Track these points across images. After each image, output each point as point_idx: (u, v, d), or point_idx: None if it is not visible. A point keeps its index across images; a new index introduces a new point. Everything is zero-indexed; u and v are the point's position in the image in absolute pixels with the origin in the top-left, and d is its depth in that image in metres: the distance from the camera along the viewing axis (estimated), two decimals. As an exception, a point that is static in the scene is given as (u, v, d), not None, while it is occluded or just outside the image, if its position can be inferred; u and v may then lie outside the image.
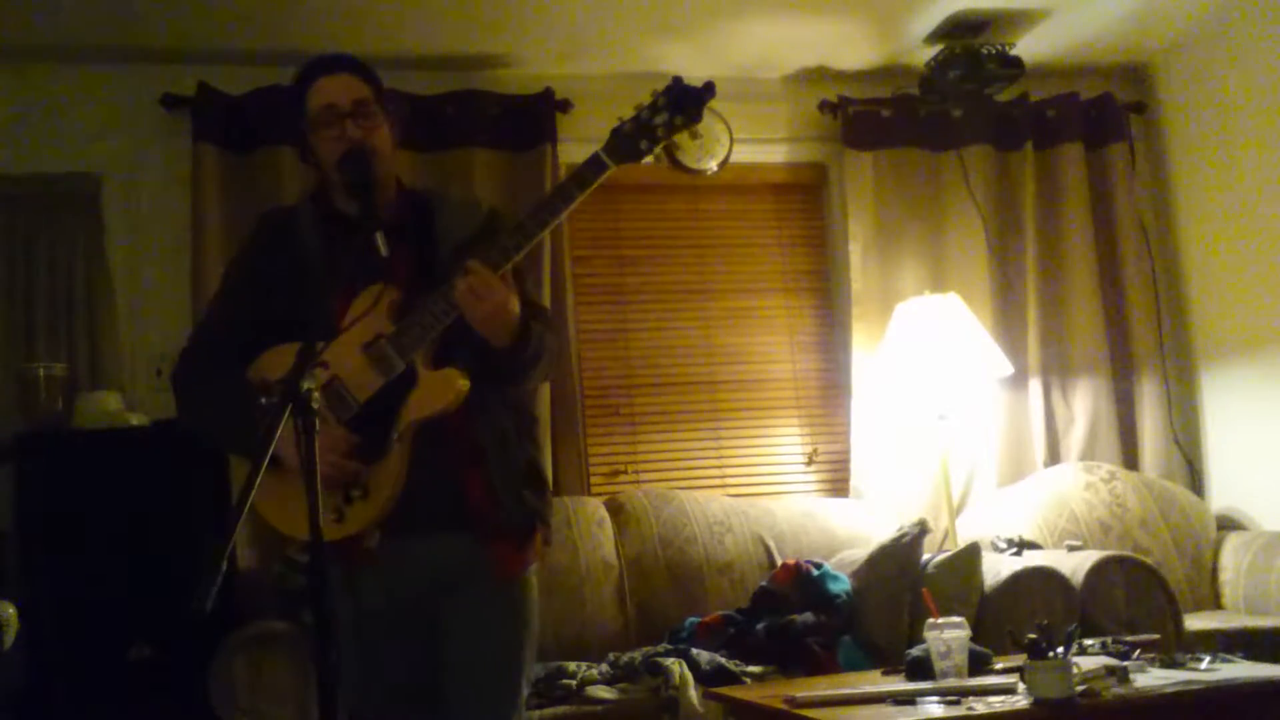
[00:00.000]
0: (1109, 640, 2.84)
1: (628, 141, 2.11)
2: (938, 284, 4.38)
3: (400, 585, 2.19)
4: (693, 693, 3.12)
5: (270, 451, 1.65)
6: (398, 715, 2.24)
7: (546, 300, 4.11)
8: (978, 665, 2.62)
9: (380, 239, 2.09)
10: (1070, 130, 4.66)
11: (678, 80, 2.12)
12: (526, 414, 2.33)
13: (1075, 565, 3.51)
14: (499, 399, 2.23)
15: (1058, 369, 4.58)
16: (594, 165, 2.12)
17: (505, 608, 2.24)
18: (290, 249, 2.24)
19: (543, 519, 2.28)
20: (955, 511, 4.16)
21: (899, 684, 2.65)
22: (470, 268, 2.06)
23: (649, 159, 2.15)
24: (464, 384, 2.13)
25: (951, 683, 2.53)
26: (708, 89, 2.10)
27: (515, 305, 2.11)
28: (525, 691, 2.28)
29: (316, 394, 1.72)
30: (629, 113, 2.14)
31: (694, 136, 2.13)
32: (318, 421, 1.71)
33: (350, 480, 2.11)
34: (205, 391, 2.24)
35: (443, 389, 2.12)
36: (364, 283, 2.15)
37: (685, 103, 2.10)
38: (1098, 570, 3.47)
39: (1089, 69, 4.76)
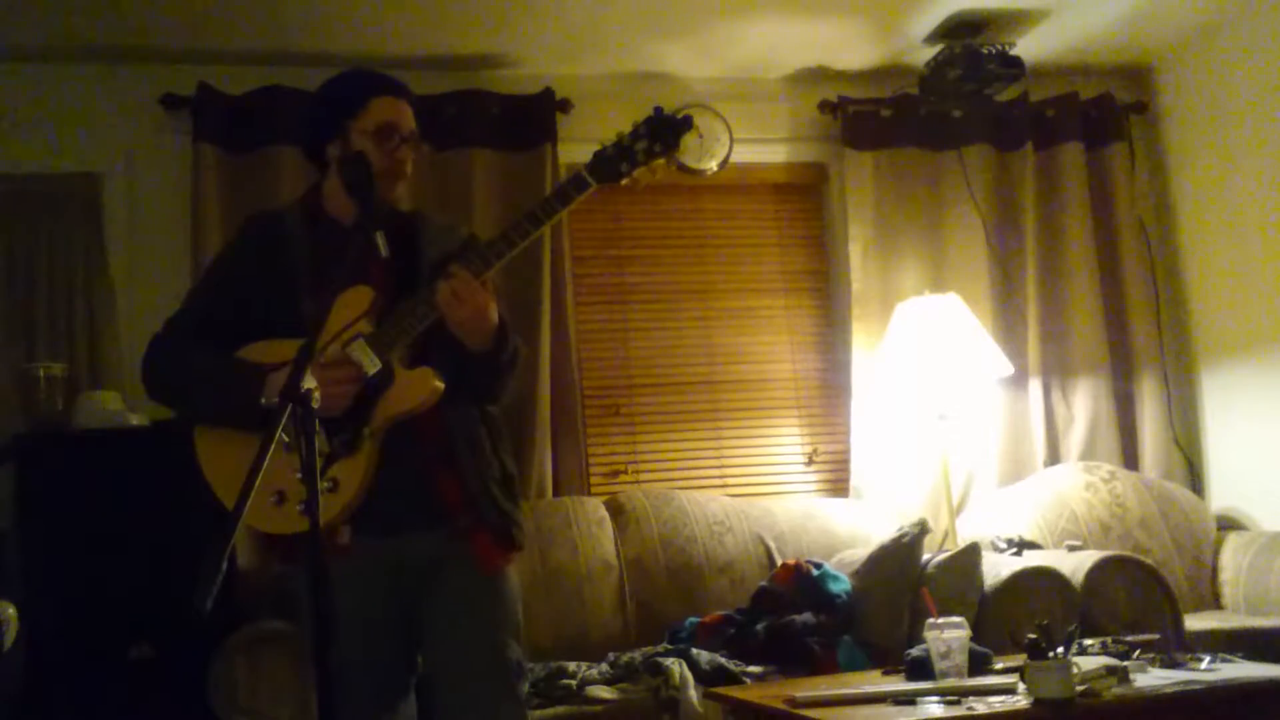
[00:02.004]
0: (1109, 640, 2.83)
1: (609, 164, 2.23)
2: (938, 284, 4.38)
3: (375, 584, 2.21)
4: (693, 693, 3.12)
5: (270, 453, 1.65)
6: (380, 716, 2.25)
7: (546, 301, 4.13)
8: (978, 665, 2.62)
9: (380, 240, 2.13)
10: (1070, 130, 4.66)
11: (658, 110, 2.25)
12: (497, 426, 2.39)
13: (1075, 565, 3.51)
14: (470, 406, 2.29)
15: (1058, 369, 4.59)
16: (576, 183, 2.23)
17: (483, 602, 2.27)
18: (276, 251, 2.28)
19: (516, 524, 2.33)
20: (955, 511, 4.16)
21: (899, 684, 2.65)
22: (453, 271, 2.13)
23: (626, 182, 2.25)
24: (439, 383, 2.18)
25: (951, 683, 2.53)
26: (685, 122, 2.23)
27: (494, 312, 2.19)
28: (522, 684, 2.30)
29: (317, 394, 1.73)
30: (612, 136, 2.25)
31: (670, 164, 2.25)
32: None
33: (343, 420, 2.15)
34: (182, 362, 2.28)
35: (417, 387, 2.18)
36: (351, 285, 2.19)
37: (663, 132, 2.22)
38: (1098, 570, 3.47)
39: (1089, 69, 4.76)
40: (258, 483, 1.62)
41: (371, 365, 2.17)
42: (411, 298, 2.18)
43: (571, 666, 3.32)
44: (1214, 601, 4.11)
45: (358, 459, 2.16)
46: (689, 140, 2.29)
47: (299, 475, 2.06)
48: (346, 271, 2.15)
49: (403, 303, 2.18)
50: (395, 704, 2.27)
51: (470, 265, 2.16)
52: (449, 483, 2.24)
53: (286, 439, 2.07)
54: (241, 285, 2.30)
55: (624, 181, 2.24)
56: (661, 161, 2.23)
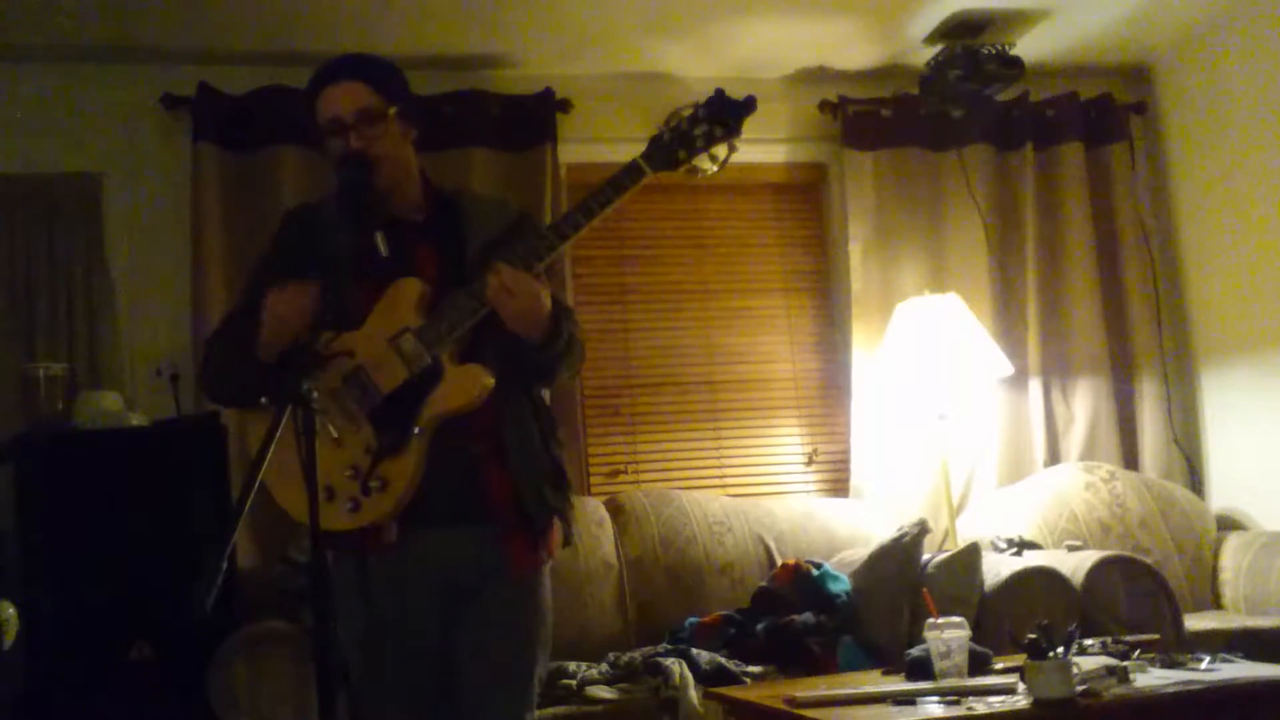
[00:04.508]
0: (1109, 640, 2.83)
1: (666, 150, 2.12)
2: (938, 284, 4.38)
3: (416, 580, 2.19)
4: (693, 693, 3.12)
5: (270, 452, 1.66)
6: (405, 714, 2.23)
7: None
8: (978, 665, 2.62)
9: (380, 240, 2.11)
10: (1070, 130, 4.66)
11: (720, 92, 2.14)
12: (548, 414, 2.34)
13: (1075, 565, 3.51)
14: (523, 397, 2.24)
15: (1058, 369, 4.58)
16: (632, 171, 2.12)
17: (520, 606, 2.24)
18: (315, 243, 2.21)
19: (563, 516, 2.29)
20: (955, 511, 4.16)
21: (899, 684, 2.65)
22: (498, 268, 2.07)
23: (685, 170, 2.15)
24: (489, 380, 2.13)
25: (951, 683, 2.53)
26: (748, 103, 2.11)
27: (547, 300, 2.12)
28: (537, 690, 2.29)
29: (316, 394, 1.73)
30: (670, 120, 2.15)
31: (732, 149, 2.13)
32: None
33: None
34: (225, 352, 2.26)
35: (468, 385, 2.13)
36: (389, 278, 2.16)
37: (725, 115, 2.11)
38: (1098, 570, 3.47)
39: (1089, 69, 4.76)
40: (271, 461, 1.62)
41: (420, 361, 2.13)
42: (459, 291, 2.12)
43: (571, 666, 3.33)
44: (1214, 601, 4.11)
45: (406, 457, 2.11)
46: (725, 149, 2.18)
47: (348, 473, 2.06)
48: (375, 268, 2.12)
49: (451, 296, 2.13)
50: (429, 706, 2.24)
51: (521, 258, 2.09)
52: (497, 479, 2.19)
53: (335, 434, 2.07)
54: (285, 277, 2.22)
55: (683, 169, 2.13)
56: (723, 147, 2.13)
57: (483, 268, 2.10)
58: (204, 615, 1.47)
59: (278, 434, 1.68)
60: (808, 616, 3.46)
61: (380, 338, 2.15)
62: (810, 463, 4.55)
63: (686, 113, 2.14)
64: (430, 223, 2.27)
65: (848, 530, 4.10)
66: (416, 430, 2.11)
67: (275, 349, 2.13)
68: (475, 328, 2.13)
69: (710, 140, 2.11)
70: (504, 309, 2.09)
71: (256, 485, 1.61)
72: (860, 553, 3.77)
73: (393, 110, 2.23)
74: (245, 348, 2.16)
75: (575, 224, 2.12)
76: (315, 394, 1.73)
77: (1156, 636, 3.04)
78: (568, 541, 2.32)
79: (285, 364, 2.08)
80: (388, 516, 2.13)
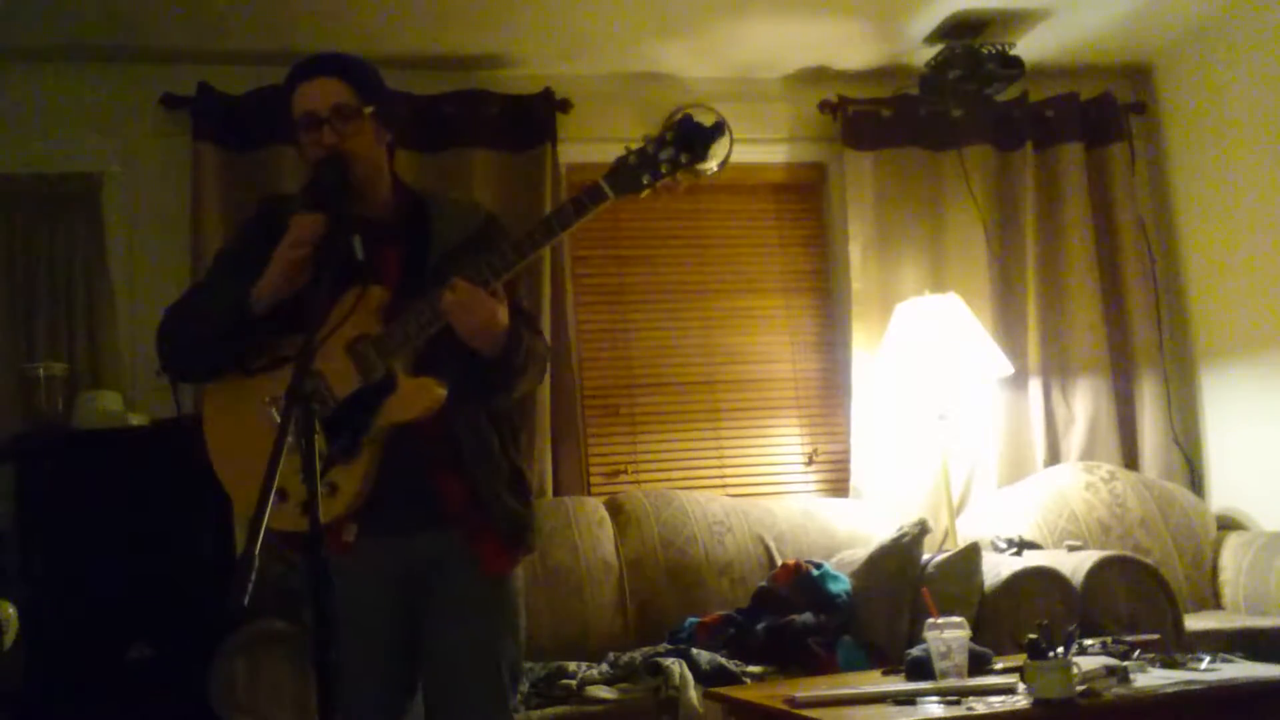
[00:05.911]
0: (1109, 640, 2.83)
1: (630, 173, 2.11)
2: (938, 284, 4.38)
3: (377, 584, 2.20)
4: (693, 693, 3.12)
5: (284, 453, 1.65)
6: (379, 715, 2.24)
7: (546, 301, 4.12)
8: (978, 665, 2.62)
9: (356, 243, 2.10)
10: (1070, 130, 4.66)
11: (688, 118, 2.12)
12: (509, 423, 2.34)
13: (1075, 565, 3.51)
14: (480, 406, 2.24)
15: (1058, 369, 4.59)
16: (593, 194, 2.12)
17: (490, 602, 2.25)
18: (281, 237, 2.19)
19: (527, 526, 2.29)
20: (955, 511, 4.16)
21: (899, 684, 2.65)
22: (455, 283, 2.07)
23: (646, 194, 2.12)
24: (440, 392, 2.13)
25: (951, 683, 2.53)
26: (717, 129, 2.09)
27: (504, 316, 2.13)
28: (516, 690, 2.29)
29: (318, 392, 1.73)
30: (635, 144, 2.13)
31: (696, 175, 2.11)
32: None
33: None
34: (186, 309, 2.27)
35: (419, 396, 2.13)
36: (354, 281, 2.15)
37: (693, 141, 2.09)
38: (1098, 570, 3.47)
39: (1089, 69, 4.76)
40: (276, 482, 1.62)
41: (375, 370, 2.13)
42: (417, 303, 2.13)
43: (571, 666, 3.33)
44: (1214, 601, 4.11)
45: (356, 464, 2.12)
46: (691, 174, 2.16)
47: (300, 476, 2.07)
48: (339, 269, 2.10)
49: (410, 305, 2.13)
50: (401, 705, 2.25)
51: (479, 275, 2.09)
52: (453, 486, 2.21)
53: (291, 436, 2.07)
54: (250, 269, 2.21)
55: (644, 194, 2.12)
56: (687, 173, 2.13)
57: (442, 281, 2.09)
58: (241, 612, 1.48)
59: (288, 435, 1.68)
60: (808, 616, 3.46)
61: (338, 344, 2.14)
62: (810, 463, 4.55)
63: (654, 135, 2.12)
64: (398, 224, 2.27)
65: (848, 530, 4.10)
66: (365, 440, 2.10)
67: (271, 293, 2.11)
68: (433, 338, 2.13)
69: (675, 166, 2.09)
70: (459, 324, 2.09)
71: (275, 485, 1.61)
72: (860, 553, 3.77)
73: (368, 110, 2.22)
74: (222, 307, 2.16)
75: (535, 243, 2.12)
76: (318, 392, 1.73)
77: (1156, 636, 3.03)
78: (530, 550, 2.32)
79: (270, 317, 2.09)
80: (339, 518, 2.14)
